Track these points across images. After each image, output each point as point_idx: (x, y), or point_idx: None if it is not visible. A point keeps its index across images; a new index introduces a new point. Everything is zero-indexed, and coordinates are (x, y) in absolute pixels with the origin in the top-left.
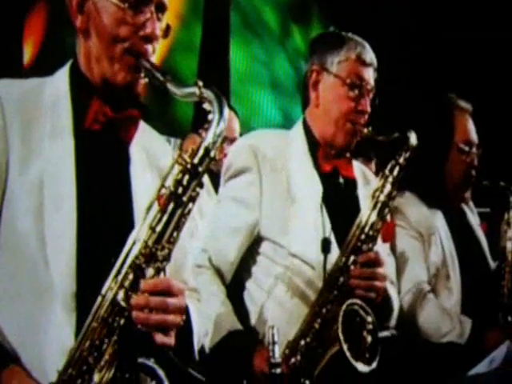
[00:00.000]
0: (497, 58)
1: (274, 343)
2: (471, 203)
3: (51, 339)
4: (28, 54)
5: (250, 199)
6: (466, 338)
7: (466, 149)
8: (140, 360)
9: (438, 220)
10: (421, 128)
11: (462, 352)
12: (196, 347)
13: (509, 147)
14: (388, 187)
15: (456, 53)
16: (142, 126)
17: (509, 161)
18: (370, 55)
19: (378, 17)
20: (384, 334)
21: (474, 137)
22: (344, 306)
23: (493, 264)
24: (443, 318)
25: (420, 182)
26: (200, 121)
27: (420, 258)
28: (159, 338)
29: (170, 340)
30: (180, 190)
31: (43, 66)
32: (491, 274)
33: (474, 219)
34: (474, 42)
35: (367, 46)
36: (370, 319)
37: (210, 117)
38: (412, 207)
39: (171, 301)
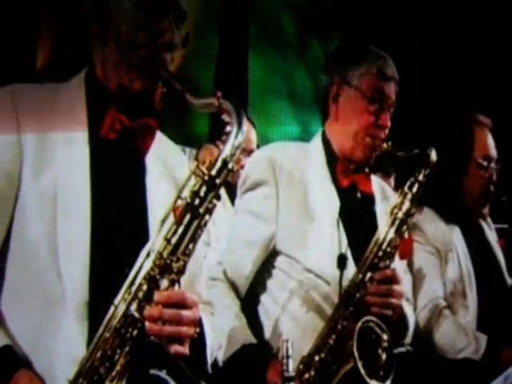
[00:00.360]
0: None
1: (288, 357)
2: (489, 219)
3: (62, 348)
4: (41, 56)
5: (267, 213)
6: (482, 354)
7: (485, 164)
8: (152, 371)
9: (456, 236)
10: (440, 143)
11: (478, 368)
12: (209, 360)
13: None
14: (407, 204)
15: (476, 67)
16: (159, 135)
17: None
18: (391, 69)
19: (398, 31)
20: (399, 349)
21: (493, 152)
22: (359, 323)
23: (510, 280)
24: (459, 333)
25: (438, 197)
26: (216, 131)
27: (437, 273)
28: (173, 347)
29: (185, 349)
30: (197, 201)
31: (56, 69)
32: (508, 290)
33: (491, 235)
34: (494, 55)
35: (389, 59)
36: (385, 337)
37: (228, 128)
38: (430, 223)
39: (185, 313)
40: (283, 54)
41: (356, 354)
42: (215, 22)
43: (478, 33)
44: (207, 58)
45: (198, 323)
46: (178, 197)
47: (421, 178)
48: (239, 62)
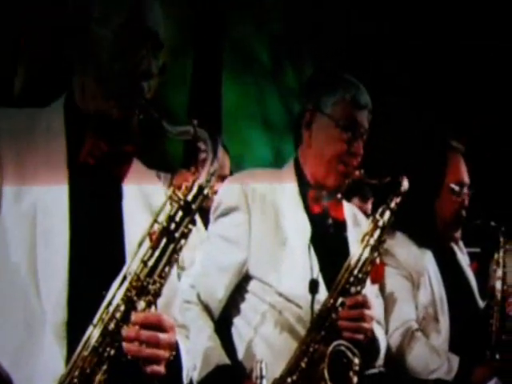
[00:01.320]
0: (490, 99)
1: (261, 377)
2: (461, 243)
3: (42, 366)
4: (19, 81)
5: (239, 238)
6: (454, 375)
7: (457, 189)
8: None
9: (428, 260)
10: (413, 167)
11: None
12: (185, 381)
13: (498, 187)
14: (378, 232)
15: (449, 92)
16: (135, 162)
17: (498, 201)
18: (364, 97)
19: (370, 58)
20: (372, 370)
21: (465, 177)
22: (331, 347)
23: (482, 303)
24: (431, 355)
25: (411, 222)
26: (191, 156)
27: (409, 296)
28: (150, 367)
29: (161, 369)
30: (173, 225)
31: (34, 94)
32: (480, 313)
33: (463, 259)
34: (471, 83)
35: (362, 87)
36: (356, 360)
37: (203, 155)
38: (402, 248)
39: (162, 336)
40: (257, 80)
41: (327, 376)
42: (189, 48)
43: (452, 57)
44: (181, 84)
45: (175, 346)
46: (155, 221)
47: (392, 205)
48: (213, 87)
